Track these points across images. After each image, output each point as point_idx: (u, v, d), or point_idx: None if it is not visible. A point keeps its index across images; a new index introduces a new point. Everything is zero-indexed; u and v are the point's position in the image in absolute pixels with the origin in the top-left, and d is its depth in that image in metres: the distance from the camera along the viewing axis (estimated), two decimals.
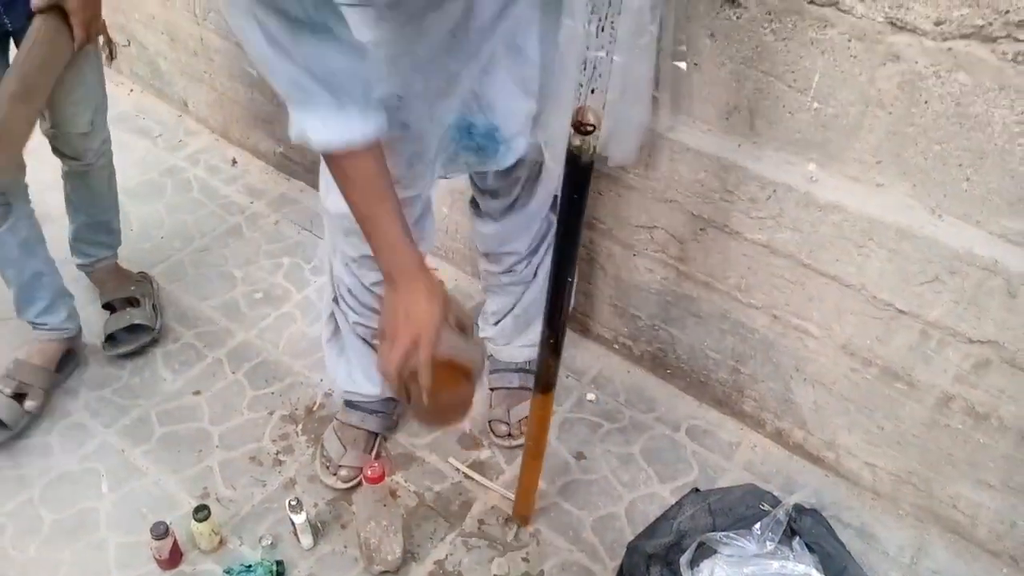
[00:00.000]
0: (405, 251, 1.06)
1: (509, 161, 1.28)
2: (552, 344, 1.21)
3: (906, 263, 1.32)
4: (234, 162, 2.47)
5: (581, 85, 0.85)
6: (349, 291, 1.45)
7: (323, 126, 0.96)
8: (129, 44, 2.62)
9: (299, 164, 2.35)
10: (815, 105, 1.31)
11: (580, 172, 0.94)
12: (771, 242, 1.46)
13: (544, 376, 1.27)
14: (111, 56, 2.76)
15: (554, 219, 1.42)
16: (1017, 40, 1.09)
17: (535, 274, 1.59)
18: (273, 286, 2.06)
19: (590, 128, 0.87)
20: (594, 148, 0.91)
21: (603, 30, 0.83)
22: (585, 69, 0.83)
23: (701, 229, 1.55)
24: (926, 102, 1.20)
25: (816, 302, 1.47)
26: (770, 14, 1.28)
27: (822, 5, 1.22)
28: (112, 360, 1.86)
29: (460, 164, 1.29)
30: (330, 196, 1.27)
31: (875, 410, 1.51)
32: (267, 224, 2.25)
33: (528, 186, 1.45)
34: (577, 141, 0.89)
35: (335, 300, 1.51)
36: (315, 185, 2.39)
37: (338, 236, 1.36)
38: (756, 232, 1.47)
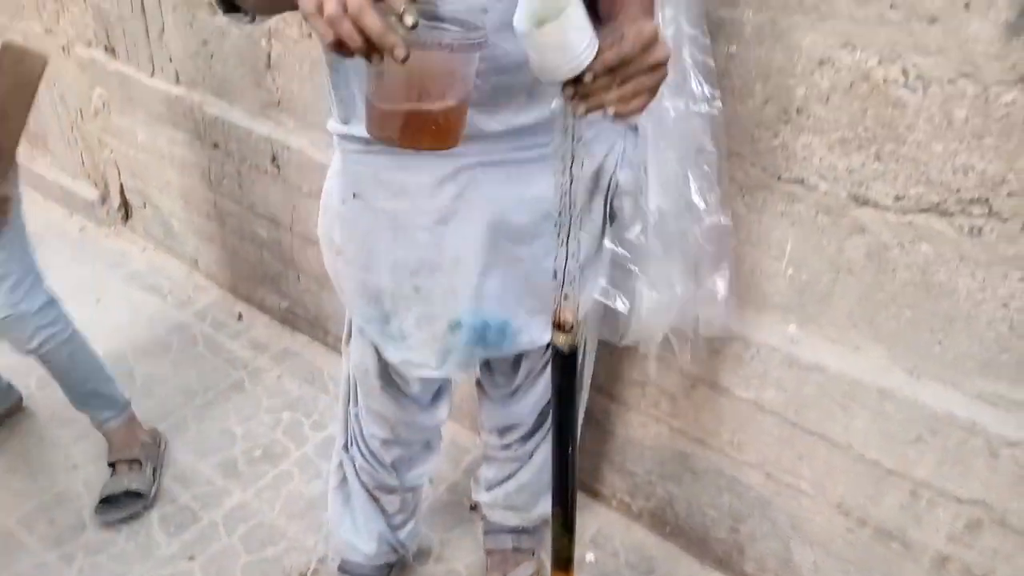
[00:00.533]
0: None
1: (516, 351, 1.29)
2: (563, 522, 1.15)
3: (889, 423, 1.34)
4: (240, 317, 2.54)
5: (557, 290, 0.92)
6: (359, 439, 1.48)
7: None
8: (145, 206, 2.76)
9: (303, 318, 2.42)
10: (790, 271, 1.38)
11: (566, 363, 0.97)
12: (759, 400, 1.49)
13: (561, 553, 1.20)
14: (126, 216, 2.92)
15: None
16: (971, 215, 1.17)
17: (531, 455, 1.56)
18: (273, 443, 2.08)
19: (568, 327, 0.93)
20: (575, 342, 0.95)
21: (570, 237, 0.90)
22: (556, 276, 0.90)
23: (691, 386, 1.59)
24: (893, 270, 1.27)
25: (807, 460, 1.48)
26: (742, 189, 1.37)
27: (789, 182, 1.32)
28: (109, 523, 1.85)
29: (472, 359, 1.29)
30: (351, 345, 1.31)
31: (873, 570, 1.49)
32: (269, 378, 2.30)
33: (533, 376, 1.44)
34: (560, 339, 0.94)
35: (345, 447, 1.54)
36: (318, 339, 2.47)
37: (355, 384, 1.41)
38: (743, 390, 1.51)
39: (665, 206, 1.25)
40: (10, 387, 2.13)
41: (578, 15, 0.79)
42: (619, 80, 0.82)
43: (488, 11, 0.95)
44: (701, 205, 1.29)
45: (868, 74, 1.17)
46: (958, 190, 1.16)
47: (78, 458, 2.02)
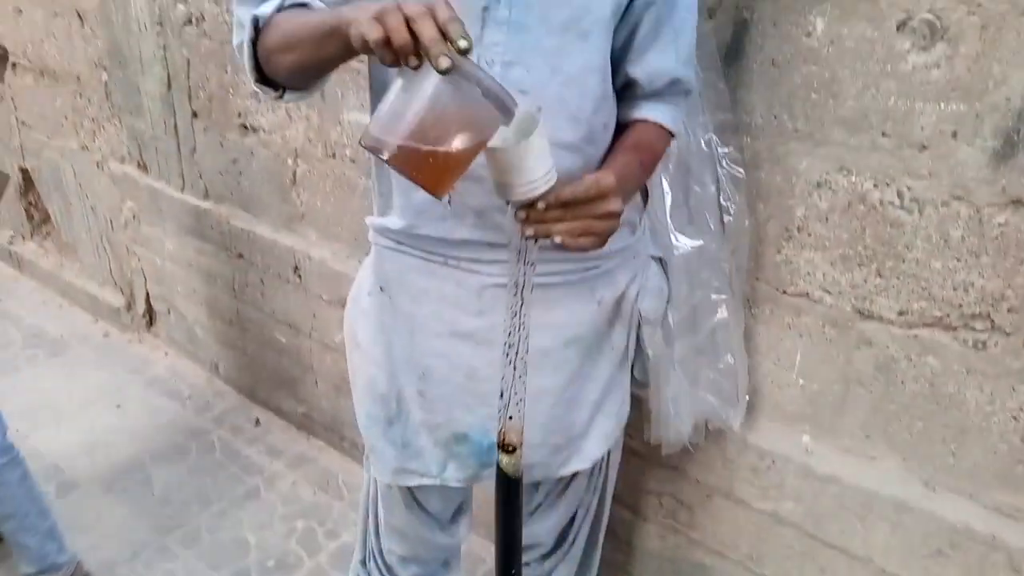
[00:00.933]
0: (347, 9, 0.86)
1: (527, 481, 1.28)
2: None
3: (909, 536, 1.33)
4: (257, 422, 2.57)
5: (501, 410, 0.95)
6: (376, 554, 1.48)
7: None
8: (169, 312, 2.84)
9: (319, 423, 2.44)
10: (800, 381, 1.41)
11: (511, 487, 0.99)
12: (776, 511, 1.49)
13: None
14: (150, 323, 2.99)
15: (591, 504, 1.43)
16: (974, 330, 1.20)
17: (549, 574, 1.52)
18: (286, 553, 2.06)
19: (511, 448, 0.96)
20: (518, 467, 0.98)
21: (514, 365, 0.94)
22: (502, 396, 0.94)
23: (707, 496, 1.58)
24: (902, 382, 1.29)
25: (828, 574, 1.46)
26: (749, 301, 1.41)
27: (795, 295, 1.36)
28: None
29: (476, 475, 1.28)
30: (372, 458, 1.29)
31: None
32: (284, 485, 2.30)
33: (553, 496, 1.42)
34: (504, 461, 0.96)
35: (363, 562, 1.52)
36: (334, 444, 2.48)
37: (375, 498, 1.41)
38: (761, 501, 1.50)
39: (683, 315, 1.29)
40: None
41: (540, 144, 0.84)
42: (570, 216, 0.87)
43: (527, 94, 0.98)
44: (720, 314, 1.34)
45: (864, 196, 1.23)
46: (960, 305, 1.19)
47: None
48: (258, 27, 0.97)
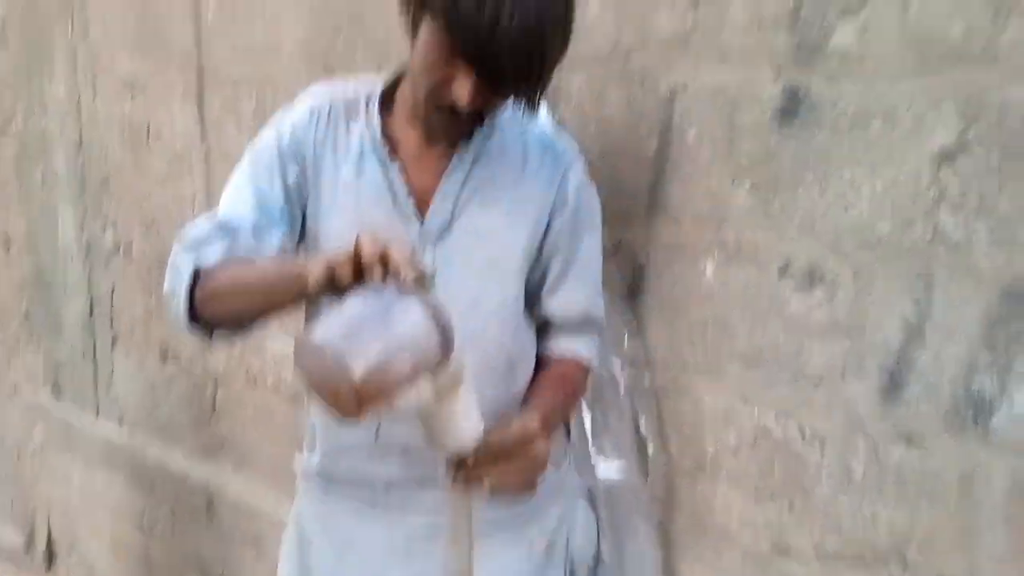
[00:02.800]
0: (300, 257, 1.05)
1: None
2: None
3: None
4: None
5: None
6: None
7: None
8: (71, 553, 2.63)
9: None
10: None
11: None
12: None
13: None
14: (50, 564, 2.76)
15: None
16: (888, 565, 1.18)
17: None
18: None
19: None
20: None
21: None
22: None
23: None
24: None
25: None
26: (668, 535, 1.38)
27: (713, 530, 1.34)
28: None
29: None
30: None
31: None
32: None
33: None
34: None
35: None
36: None
37: None
38: None
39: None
40: None
41: (468, 400, 0.86)
42: (500, 465, 0.91)
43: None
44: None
45: (768, 430, 1.25)
46: (871, 542, 1.19)
47: None
48: (197, 277, 1.01)
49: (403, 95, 1.09)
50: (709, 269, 1.30)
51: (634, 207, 1.36)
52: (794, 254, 1.22)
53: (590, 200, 1.17)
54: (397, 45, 1.23)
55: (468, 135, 1.07)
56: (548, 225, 1.12)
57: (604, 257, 1.22)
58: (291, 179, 1.08)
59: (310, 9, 1.71)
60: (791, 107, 1.19)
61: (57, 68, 2.24)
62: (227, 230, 1.04)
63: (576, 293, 1.16)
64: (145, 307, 2.25)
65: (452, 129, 1.03)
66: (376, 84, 1.12)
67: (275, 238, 1.06)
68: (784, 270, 1.23)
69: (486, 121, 1.05)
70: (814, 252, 1.20)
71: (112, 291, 2.34)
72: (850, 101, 1.14)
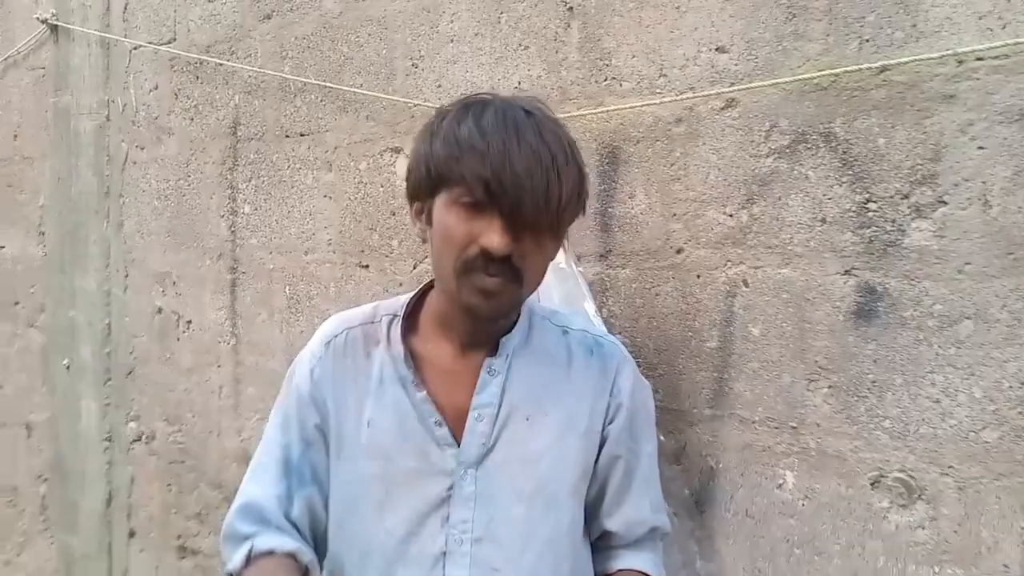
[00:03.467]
0: None
1: None
2: None
3: None
4: None
5: None
6: None
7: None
8: None
9: None
10: None
11: None
12: None
13: None
14: None
15: None
16: None
17: None
18: None
19: None
20: None
21: None
22: None
23: None
24: None
25: None
26: None
27: None
28: None
29: None
30: None
31: None
32: None
33: None
34: None
35: None
36: None
37: None
38: None
39: None
40: None
41: None
42: None
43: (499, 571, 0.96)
44: None
45: None
46: None
47: None
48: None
49: (430, 307, 1.02)
50: (790, 479, 1.17)
51: (696, 406, 1.26)
52: (887, 465, 1.09)
53: (646, 401, 1.07)
54: None
55: (506, 330, 0.99)
56: (603, 435, 1.01)
57: (665, 462, 1.10)
58: (312, 424, 1.00)
59: (344, 207, 1.70)
60: (868, 305, 1.11)
61: (90, 261, 2.23)
62: (255, 519, 0.98)
63: (641, 506, 1.04)
64: (163, 501, 2.13)
65: (488, 311, 0.93)
66: (399, 303, 1.04)
67: (303, 500, 0.99)
68: (877, 483, 1.10)
69: (525, 290, 0.94)
70: (909, 463, 1.07)
71: (131, 482, 2.22)
72: (935, 300, 1.05)
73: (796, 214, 1.16)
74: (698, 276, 1.26)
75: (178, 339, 2.04)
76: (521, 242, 0.89)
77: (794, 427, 1.17)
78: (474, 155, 0.87)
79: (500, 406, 0.97)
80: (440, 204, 0.92)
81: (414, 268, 1.58)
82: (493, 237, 0.87)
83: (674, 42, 1.26)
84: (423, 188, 0.94)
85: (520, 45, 1.40)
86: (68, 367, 2.35)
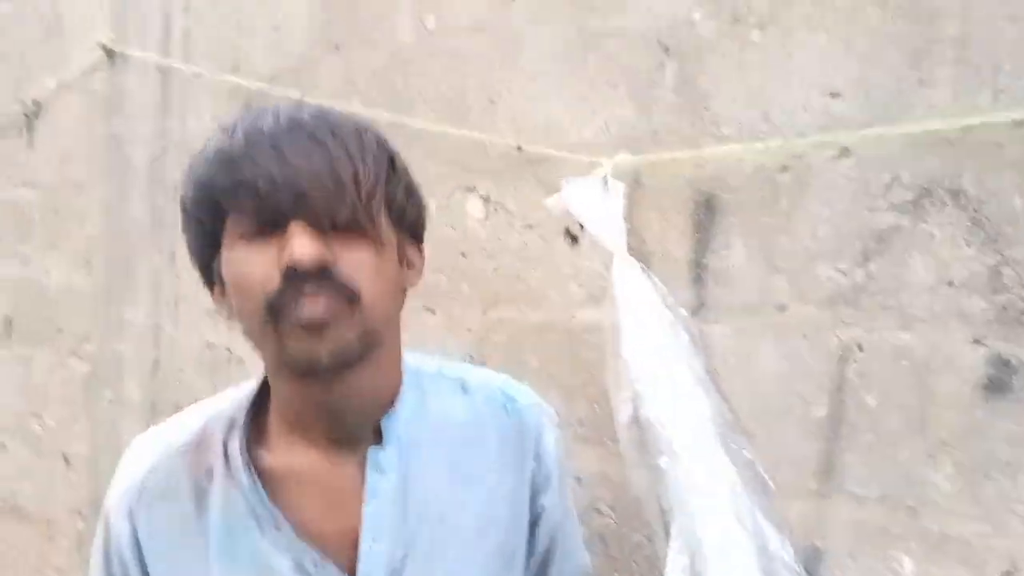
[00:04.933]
0: None
1: None
2: None
3: None
4: None
5: None
6: None
7: None
8: None
9: None
10: None
11: None
12: None
13: None
14: None
15: None
16: None
17: None
18: None
19: None
20: None
21: None
22: None
23: None
24: None
25: None
26: None
27: None
28: None
29: None
30: None
31: None
32: None
33: None
34: None
35: None
36: None
37: None
38: None
39: None
40: None
41: None
42: None
43: None
44: None
45: None
46: None
47: None
48: None
49: (276, 401, 0.79)
50: (908, 566, 1.07)
51: (801, 478, 1.16)
52: (1020, 556, 0.99)
53: (565, 458, 0.96)
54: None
55: (386, 404, 0.78)
56: (534, 511, 0.88)
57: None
58: None
59: None
60: (1001, 378, 1.01)
61: (140, 293, 2.18)
62: None
63: (580, 557, 1.02)
64: None
65: (327, 354, 0.70)
66: (236, 404, 0.82)
67: None
68: (1008, 575, 1.00)
69: (368, 314, 0.71)
70: None
71: None
72: None
73: (918, 275, 1.07)
74: (804, 336, 1.17)
75: (228, 375, 1.98)
76: (333, 247, 0.70)
77: (912, 507, 1.07)
78: (229, 164, 0.69)
79: (404, 512, 0.77)
80: (224, 257, 0.74)
81: (484, 313, 1.50)
82: (293, 245, 0.67)
83: (780, 85, 1.18)
84: (204, 255, 0.77)
85: (608, 84, 1.33)
86: (111, 401, 2.30)
